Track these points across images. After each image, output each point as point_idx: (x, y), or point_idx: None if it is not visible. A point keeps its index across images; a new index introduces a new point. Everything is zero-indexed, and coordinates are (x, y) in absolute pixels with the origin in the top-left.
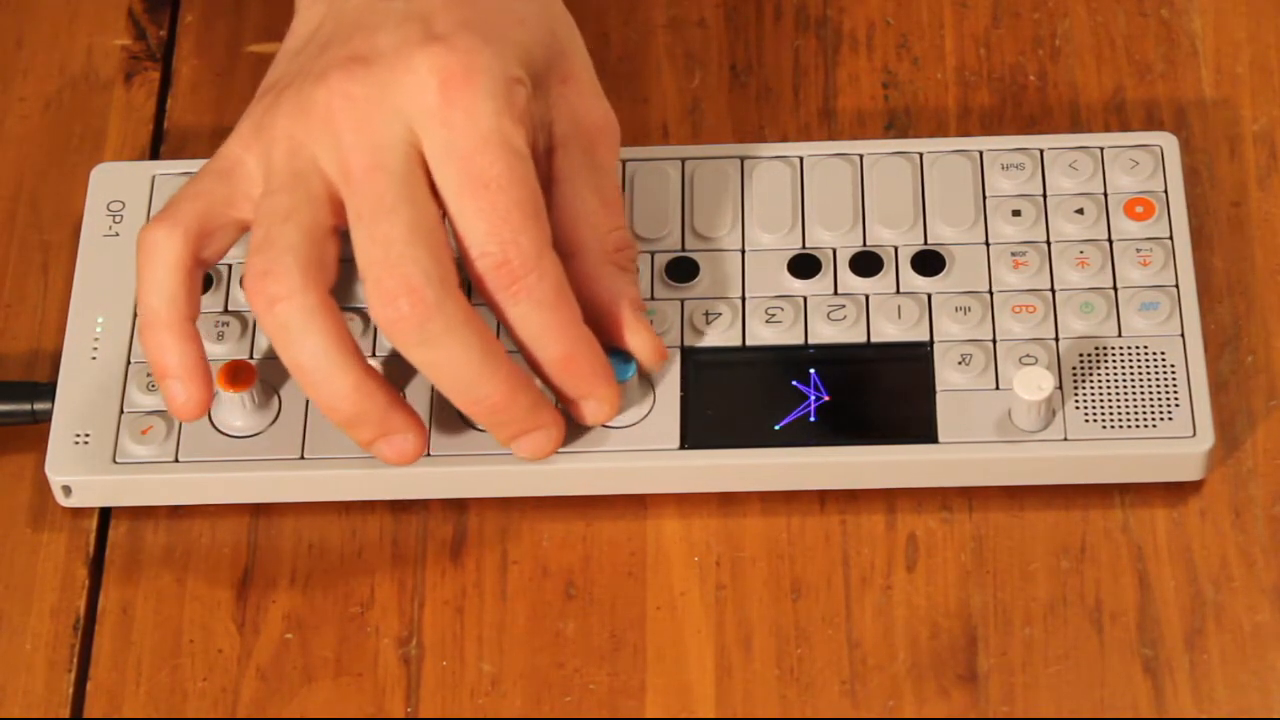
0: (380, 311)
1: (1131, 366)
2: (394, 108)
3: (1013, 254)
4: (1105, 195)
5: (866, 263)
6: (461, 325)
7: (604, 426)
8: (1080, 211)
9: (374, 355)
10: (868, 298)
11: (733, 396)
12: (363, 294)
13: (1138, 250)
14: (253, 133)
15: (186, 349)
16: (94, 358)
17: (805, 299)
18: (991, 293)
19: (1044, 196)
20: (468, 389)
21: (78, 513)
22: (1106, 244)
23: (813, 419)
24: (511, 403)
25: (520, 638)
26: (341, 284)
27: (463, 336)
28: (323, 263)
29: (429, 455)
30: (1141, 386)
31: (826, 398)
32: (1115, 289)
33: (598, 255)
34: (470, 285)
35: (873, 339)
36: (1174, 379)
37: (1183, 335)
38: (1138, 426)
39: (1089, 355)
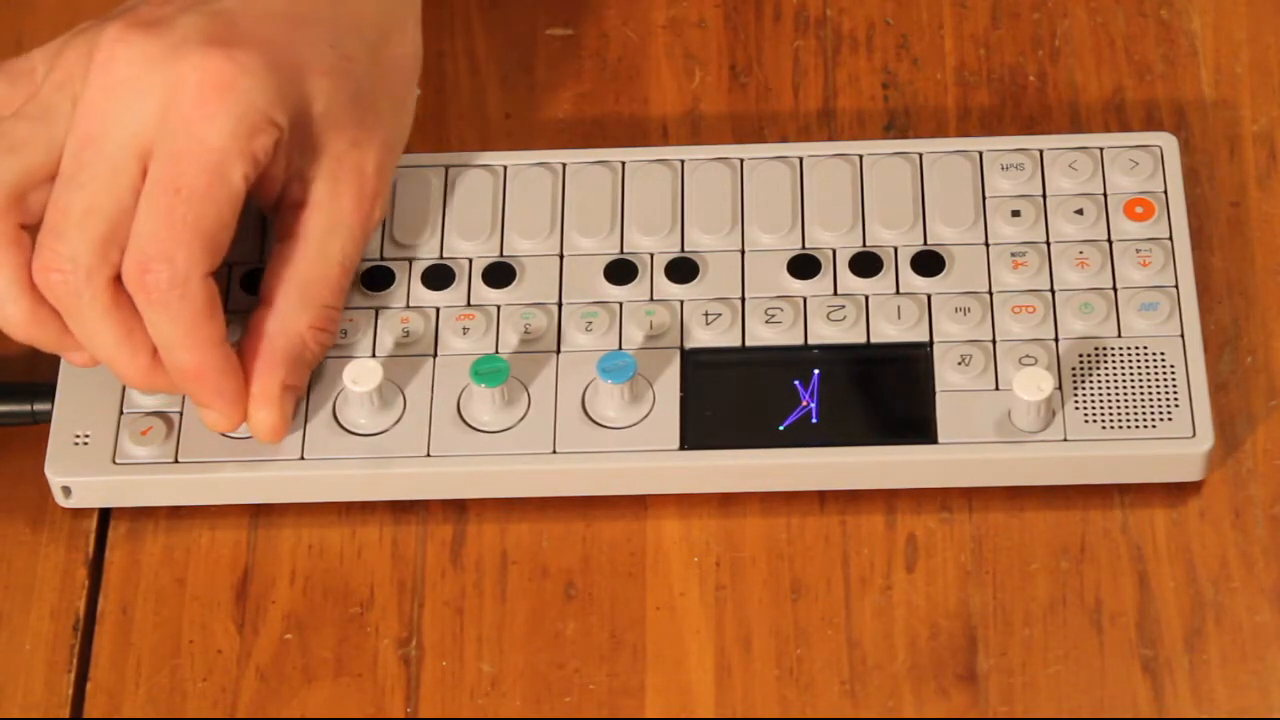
0: (37, 275)
1: (1131, 367)
2: (146, 89)
3: (1012, 254)
4: (1105, 196)
5: (866, 263)
6: (98, 316)
7: (604, 427)
8: (1080, 212)
9: (374, 356)
10: (867, 298)
11: (732, 397)
12: None
13: (1137, 250)
14: (56, 47)
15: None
16: None
17: (805, 299)
18: (991, 293)
19: (1044, 197)
20: (107, 363)
21: (78, 513)
22: (1106, 244)
23: (813, 419)
24: (148, 385)
25: (520, 638)
26: None
27: (96, 325)
28: (21, 205)
29: (429, 455)
30: (1141, 387)
31: (826, 398)
32: (1115, 289)
33: (289, 321)
34: None
35: (872, 339)
36: (1174, 379)
37: (1182, 335)
38: (1137, 427)
39: (1089, 356)
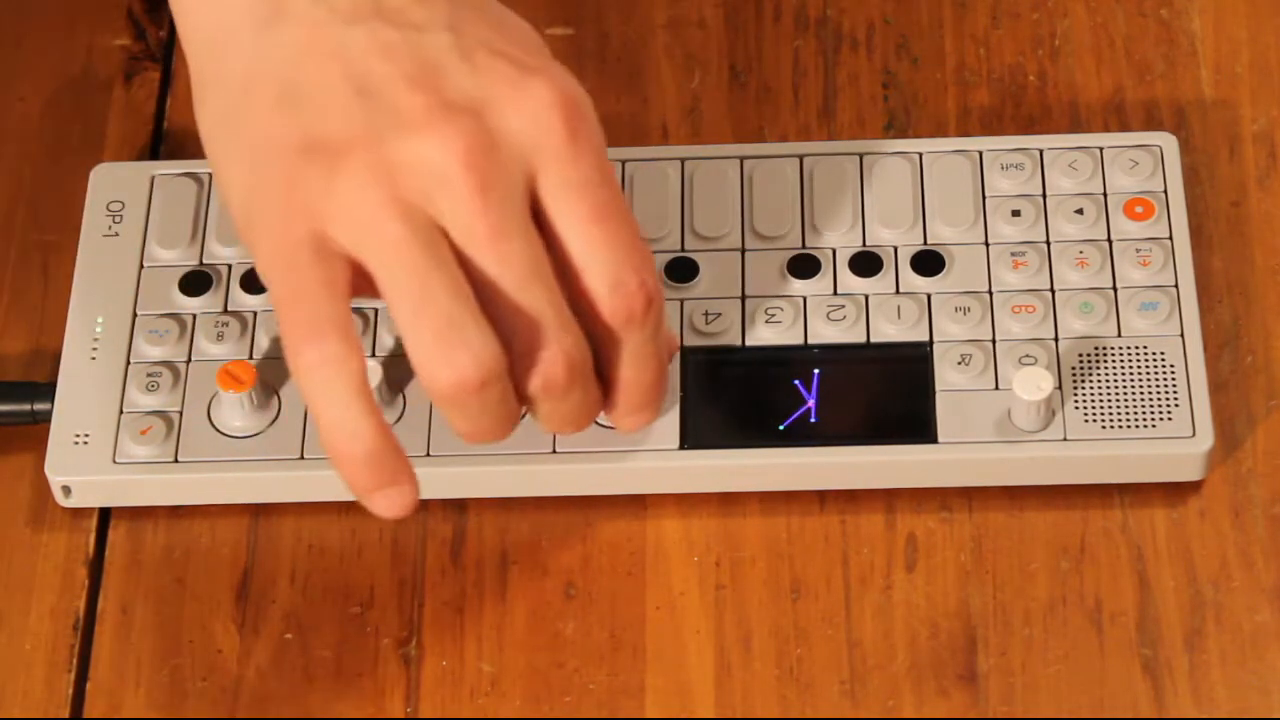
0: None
1: (1131, 366)
2: (514, 149)
3: (1012, 254)
4: (1105, 195)
5: (866, 263)
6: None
7: (603, 426)
8: (1080, 211)
9: (374, 356)
10: (867, 298)
11: (732, 396)
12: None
13: (1137, 250)
14: (301, 208)
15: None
16: (94, 358)
17: (805, 299)
18: (991, 293)
19: (1044, 196)
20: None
21: (78, 513)
22: (1106, 244)
23: (813, 419)
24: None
25: (520, 638)
26: None
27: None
28: None
29: (429, 455)
30: (1141, 386)
31: (826, 398)
32: (1115, 289)
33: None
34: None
35: (872, 339)
36: (1173, 379)
37: (1182, 335)
38: (1137, 426)
39: (1088, 355)
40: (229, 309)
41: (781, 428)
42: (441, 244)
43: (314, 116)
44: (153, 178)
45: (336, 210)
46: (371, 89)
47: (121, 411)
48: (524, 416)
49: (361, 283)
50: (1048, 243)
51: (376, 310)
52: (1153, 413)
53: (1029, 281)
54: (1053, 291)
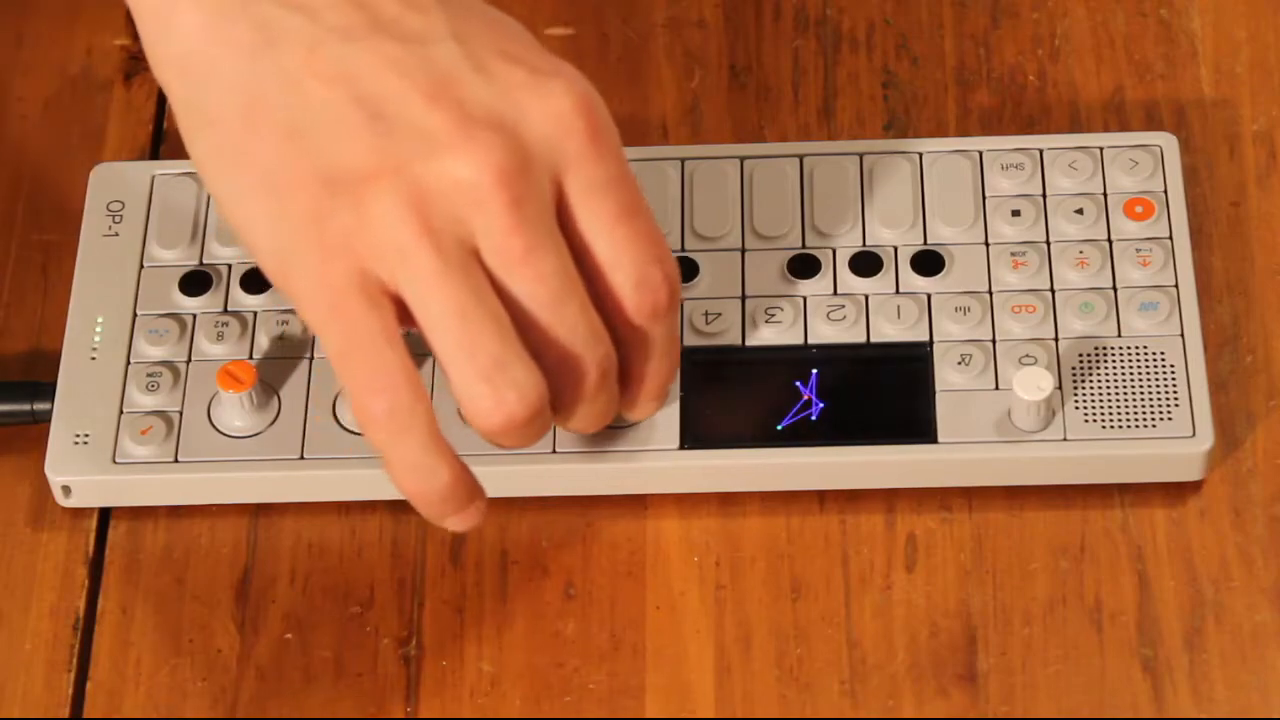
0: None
1: (1131, 366)
2: (541, 157)
3: (1012, 254)
4: (1105, 195)
5: (866, 263)
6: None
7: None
8: (1080, 211)
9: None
10: (867, 298)
11: (732, 396)
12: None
13: (1137, 250)
14: (336, 248)
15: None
16: (94, 358)
17: (805, 299)
18: (991, 293)
19: (1044, 196)
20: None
21: (78, 513)
22: (1106, 244)
23: (813, 419)
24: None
25: (519, 638)
26: None
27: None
28: None
29: None
30: (1141, 386)
31: (826, 398)
32: (1115, 289)
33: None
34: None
35: (872, 339)
36: (1173, 379)
37: (1182, 335)
38: (1137, 426)
39: (1088, 355)
40: (229, 309)
41: (781, 428)
42: (477, 272)
43: (330, 146)
44: (153, 178)
45: (371, 245)
46: (386, 111)
47: (121, 411)
48: None
49: (406, 315)
50: (1048, 243)
51: None
52: (1153, 413)
53: (1029, 281)
54: (1053, 291)
